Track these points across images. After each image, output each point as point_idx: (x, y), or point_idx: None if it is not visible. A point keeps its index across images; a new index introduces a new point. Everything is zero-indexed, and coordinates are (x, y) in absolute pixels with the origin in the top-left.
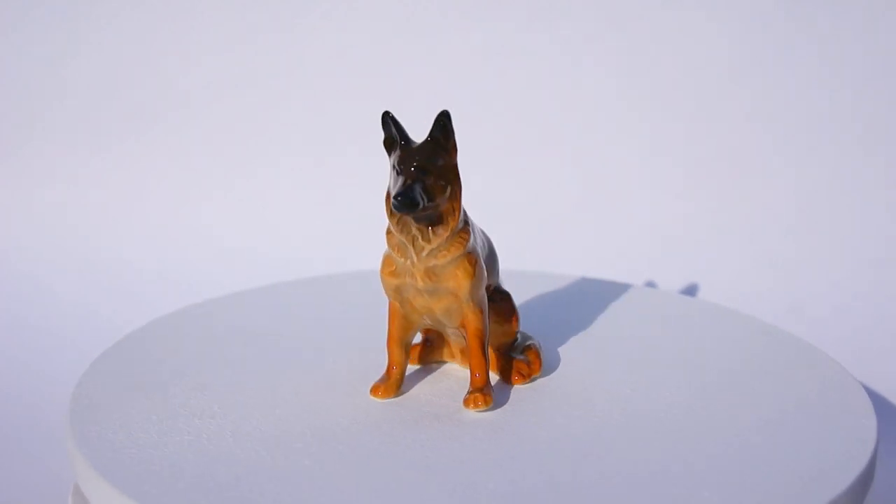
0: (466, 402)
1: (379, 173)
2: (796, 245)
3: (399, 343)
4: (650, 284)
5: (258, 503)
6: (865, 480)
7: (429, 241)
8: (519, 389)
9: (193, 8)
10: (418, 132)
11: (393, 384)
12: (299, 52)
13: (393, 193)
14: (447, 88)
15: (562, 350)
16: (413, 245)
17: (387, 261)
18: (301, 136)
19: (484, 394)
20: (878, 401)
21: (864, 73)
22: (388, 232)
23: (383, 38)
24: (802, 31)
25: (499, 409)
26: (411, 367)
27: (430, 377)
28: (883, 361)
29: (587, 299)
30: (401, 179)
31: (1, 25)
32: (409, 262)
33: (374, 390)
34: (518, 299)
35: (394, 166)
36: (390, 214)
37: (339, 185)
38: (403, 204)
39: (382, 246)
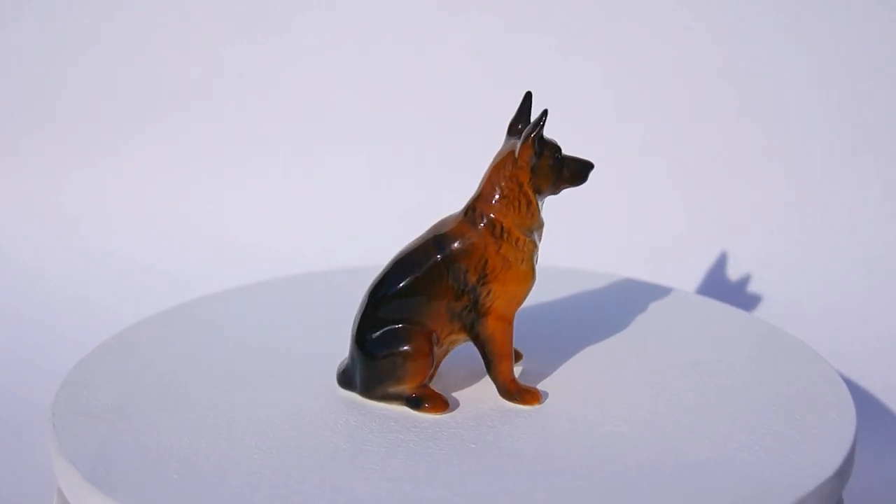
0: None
1: (376, 171)
2: (795, 244)
3: None
4: (647, 282)
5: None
6: (842, 476)
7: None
8: None
9: (192, 7)
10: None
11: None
12: (297, 50)
13: (583, 167)
14: (444, 88)
15: (556, 345)
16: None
17: (529, 262)
18: (297, 132)
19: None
20: (874, 399)
21: (864, 73)
22: (520, 238)
23: (381, 38)
24: (801, 31)
25: (494, 408)
26: None
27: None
28: (882, 360)
29: (583, 295)
30: (567, 157)
31: (0, 25)
32: (539, 242)
33: (536, 400)
34: None
35: (555, 156)
36: (538, 209)
37: (337, 182)
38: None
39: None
